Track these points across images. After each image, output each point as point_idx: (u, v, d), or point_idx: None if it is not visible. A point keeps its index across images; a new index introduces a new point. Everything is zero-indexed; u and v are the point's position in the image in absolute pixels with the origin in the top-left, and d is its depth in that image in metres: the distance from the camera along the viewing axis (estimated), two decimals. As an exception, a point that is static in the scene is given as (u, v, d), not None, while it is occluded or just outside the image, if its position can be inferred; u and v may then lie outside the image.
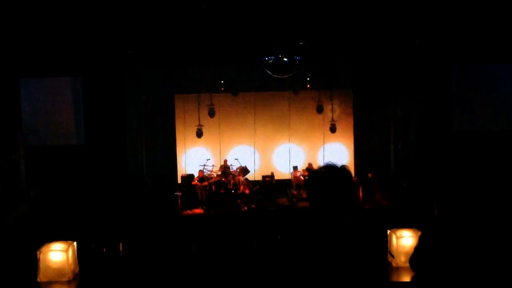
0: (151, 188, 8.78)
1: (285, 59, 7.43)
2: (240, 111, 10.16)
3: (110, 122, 7.99)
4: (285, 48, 7.43)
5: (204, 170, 9.62)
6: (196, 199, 9.08)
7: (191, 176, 9.59)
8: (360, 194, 8.82)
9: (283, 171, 10.27)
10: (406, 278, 3.60)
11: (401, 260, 3.90)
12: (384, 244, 4.33)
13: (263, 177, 9.77)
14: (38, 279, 4.06)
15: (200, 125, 9.69)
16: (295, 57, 7.54)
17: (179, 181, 9.64)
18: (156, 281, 2.05)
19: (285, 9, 6.58)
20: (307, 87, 9.56)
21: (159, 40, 7.51)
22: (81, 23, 6.76)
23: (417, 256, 2.65)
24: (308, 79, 9.43)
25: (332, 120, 9.72)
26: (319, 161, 9.97)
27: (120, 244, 5.26)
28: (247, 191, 9.28)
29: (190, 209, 8.65)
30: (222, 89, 9.49)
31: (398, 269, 3.88)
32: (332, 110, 9.72)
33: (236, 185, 9.40)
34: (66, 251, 4.09)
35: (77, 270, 4.22)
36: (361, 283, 2.19)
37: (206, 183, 9.19)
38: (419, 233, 2.83)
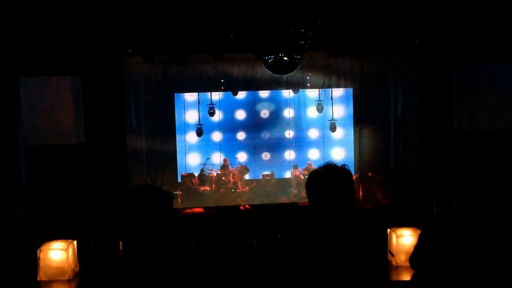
0: (151, 187, 8.76)
1: (285, 58, 7.43)
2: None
3: (110, 120, 7.98)
4: (285, 47, 7.42)
5: (204, 169, 9.63)
6: (196, 198, 9.10)
7: (191, 175, 9.60)
8: (360, 193, 8.81)
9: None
10: (406, 277, 3.60)
11: (401, 259, 3.90)
12: (384, 243, 4.33)
13: (263, 175, 9.78)
14: (38, 278, 4.06)
15: (200, 124, 9.69)
16: (296, 55, 7.54)
17: (179, 179, 9.64)
18: (156, 280, 2.05)
19: (285, 7, 6.58)
20: (307, 86, 9.55)
21: (158, 38, 7.50)
22: (80, 21, 6.76)
23: (417, 254, 2.65)
24: (308, 77, 9.41)
25: (332, 119, 9.70)
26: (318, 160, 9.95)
27: (120, 243, 5.24)
28: (247, 189, 9.30)
29: (190, 208, 8.66)
30: (222, 88, 9.48)
31: (398, 268, 3.88)
32: (332, 109, 9.71)
33: (236, 184, 9.41)
34: (66, 250, 4.09)
35: (77, 269, 4.22)
36: (361, 282, 2.20)
37: (204, 186, 9.21)
38: (419, 232, 2.83)
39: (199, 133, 9.72)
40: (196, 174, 9.63)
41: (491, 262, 2.42)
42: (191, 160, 10.06)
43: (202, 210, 8.61)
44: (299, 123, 10.07)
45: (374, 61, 9.04)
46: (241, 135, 10.22)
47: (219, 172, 9.59)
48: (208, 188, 9.38)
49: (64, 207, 7.32)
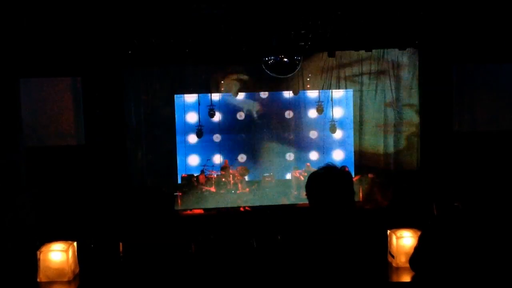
0: (151, 188, 8.77)
1: (285, 59, 7.42)
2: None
3: (111, 122, 7.99)
4: (285, 48, 7.42)
5: (205, 171, 9.62)
6: (196, 199, 9.08)
7: (191, 176, 9.58)
8: (360, 194, 8.81)
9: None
10: (406, 278, 3.60)
11: (401, 260, 3.91)
12: (384, 244, 4.33)
13: (263, 177, 9.77)
14: (38, 279, 4.06)
15: (200, 125, 9.70)
16: (296, 56, 7.53)
17: (180, 181, 9.63)
18: (156, 281, 2.05)
19: (285, 8, 6.57)
20: (307, 87, 9.54)
21: (159, 39, 7.50)
22: (80, 23, 6.77)
23: (417, 256, 2.65)
24: (308, 79, 9.41)
25: (332, 120, 9.71)
26: (318, 162, 9.94)
27: (120, 244, 5.24)
28: (247, 190, 9.29)
29: (190, 209, 8.65)
30: (222, 89, 9.48)
31: (398, 269, 3.89)
32: (332, 110, 9.72)
33: (236, 185, 9.40)
34: (66, 251, 4.09)
35: (77, 270, 4.22)
36: (361, 283, 2.19)
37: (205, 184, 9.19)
38: (419, 233, 2.82)
39: (199, 134, 9.72)
40: (197, 176, 9.62)
41: (491, 263, 2.42)
42: (191, 161, 10.06)
43: (202, 212, 8.61)
44: (299, 124, 10.07)
45: (374, 62, 9.05)
46: (241, 137, 10.22)
47: (219, 174, 9.58)
48: (208, 190, 9.37)
49: (65, 208, 7.32)
